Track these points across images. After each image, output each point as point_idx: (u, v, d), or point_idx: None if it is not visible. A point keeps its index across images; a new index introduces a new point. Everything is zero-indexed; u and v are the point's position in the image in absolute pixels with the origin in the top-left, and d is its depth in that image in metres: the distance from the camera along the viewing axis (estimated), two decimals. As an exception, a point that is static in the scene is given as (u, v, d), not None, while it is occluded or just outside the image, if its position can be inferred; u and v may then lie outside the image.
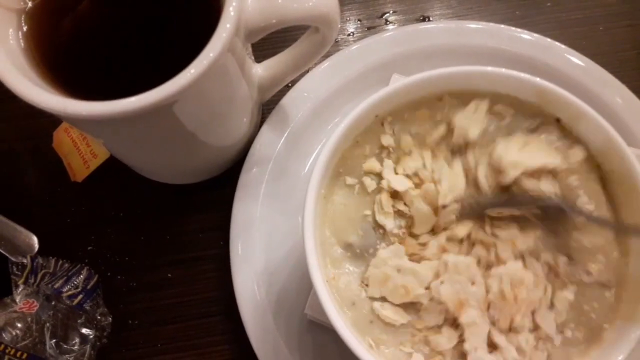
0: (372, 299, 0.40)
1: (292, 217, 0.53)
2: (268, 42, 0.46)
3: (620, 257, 0.39)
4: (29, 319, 0.46)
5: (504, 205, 0.40)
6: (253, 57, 0.50)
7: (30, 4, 0.41)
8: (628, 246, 0.39)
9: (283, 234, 0.52)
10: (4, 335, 0.46)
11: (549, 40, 0.56)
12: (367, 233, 0.41)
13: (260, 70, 0.50)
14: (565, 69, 0.54)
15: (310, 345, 0.48)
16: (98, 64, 0.42)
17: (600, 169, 0.41)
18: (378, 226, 0.41)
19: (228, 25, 0.37)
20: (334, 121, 0.56)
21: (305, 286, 0.49)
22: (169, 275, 0.54)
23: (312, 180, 0.39)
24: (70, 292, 0.48)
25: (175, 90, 0.35)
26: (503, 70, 0.41)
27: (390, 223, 0.41)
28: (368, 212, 0.42)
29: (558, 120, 0.41)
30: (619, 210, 0.40)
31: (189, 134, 0.44)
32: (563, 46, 0.55)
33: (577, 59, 0.55)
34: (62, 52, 0.41)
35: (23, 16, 0.40)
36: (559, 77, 0.53)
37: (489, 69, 0.42)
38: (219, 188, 0.56)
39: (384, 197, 0.42)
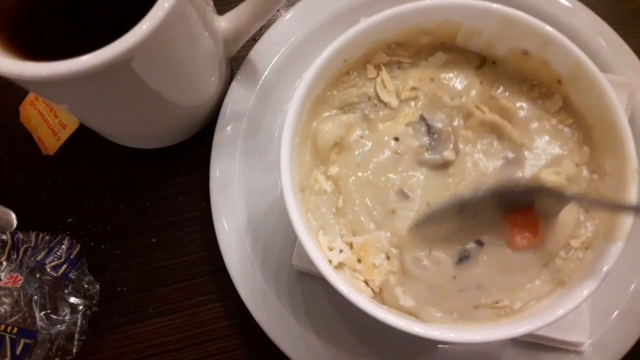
0: None
1: (271, 172, 0.52)
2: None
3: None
4: (15, 293, 0.46)
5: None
6: (215, 10, 0.49)
7: (-26, -31, 0.39)
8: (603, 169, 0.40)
9: (263, 189, 0.52)
10: (-8, 312, 0.46)
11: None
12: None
13: (224, 22, 0.48)
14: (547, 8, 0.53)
15: (300, 295, 0.49)
16: (53, 25, 0.40)
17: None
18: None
19: (181, -26, 0.35)
20: (305, 71, 0.55)
21: (289, 238, 0.50)
22: (154, 240, 0.54)
23: (285, 131, 0.39)
24: (53, 263, 0.48)
25: (130, 45, 0.34)
26: (469, 0, 0.41)
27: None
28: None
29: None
30: (596, 148, 0.40)
31: (153, 92, 0.42)
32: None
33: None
34: (15, 15, 0.39)
35: (-31, -18, 0.38)
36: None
37: (453, 0, 0.41)
38: (195, 149, 0.55)
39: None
